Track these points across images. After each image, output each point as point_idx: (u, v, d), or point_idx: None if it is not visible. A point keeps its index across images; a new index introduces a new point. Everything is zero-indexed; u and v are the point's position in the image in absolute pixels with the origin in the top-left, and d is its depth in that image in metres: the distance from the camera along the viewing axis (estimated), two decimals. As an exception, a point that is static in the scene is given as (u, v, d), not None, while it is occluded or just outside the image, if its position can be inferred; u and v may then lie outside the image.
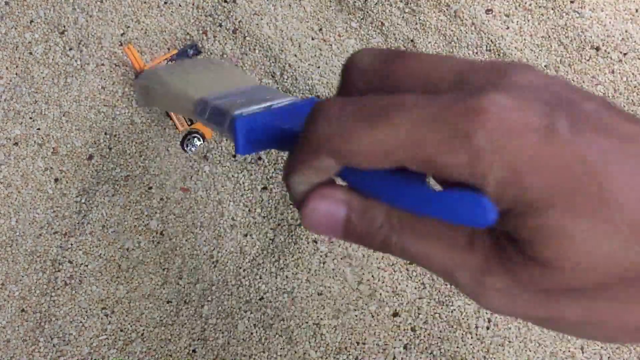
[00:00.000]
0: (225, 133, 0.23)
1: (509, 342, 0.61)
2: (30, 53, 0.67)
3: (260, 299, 0.63)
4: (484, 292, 0.18)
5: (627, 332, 0.17)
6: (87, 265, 0.64)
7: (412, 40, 0.66)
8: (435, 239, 0.18)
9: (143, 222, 0.64)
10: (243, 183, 0.65)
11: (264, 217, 0.64)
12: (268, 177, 0.65)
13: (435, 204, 0.17)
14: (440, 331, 0.62)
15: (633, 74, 0.68)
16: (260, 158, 0.65)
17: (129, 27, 0.66)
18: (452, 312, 0.62)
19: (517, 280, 0.17)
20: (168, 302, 0.63)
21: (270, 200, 0.64)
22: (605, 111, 0.16)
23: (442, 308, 0.62)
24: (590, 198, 0.15)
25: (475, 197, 0.16)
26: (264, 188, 0.65)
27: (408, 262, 0.19)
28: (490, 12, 0.67)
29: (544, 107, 0.15)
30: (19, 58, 0.67)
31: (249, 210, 0.65)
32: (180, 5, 0.67)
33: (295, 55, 0.67)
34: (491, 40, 0.67)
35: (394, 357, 0.61)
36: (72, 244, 0.64)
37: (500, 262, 0.17)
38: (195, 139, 0.64)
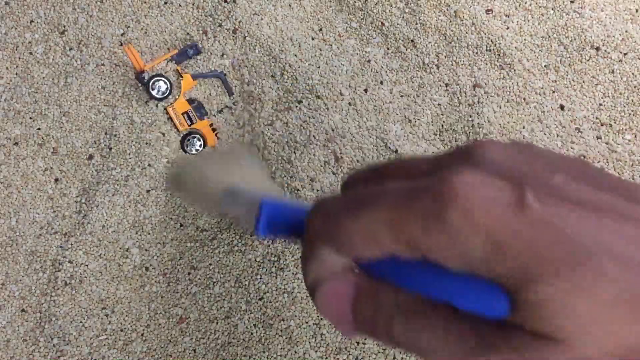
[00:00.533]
0: (246, 216, 0.24)
1: (509, 342, 0.61)
2: (31, 53, 0.67)
3: (260, 299, 0.63)
4: None
5: None
6: (87, 265, 0.64)
7: (412, 40, 0.66)
8: (439, 320, 0.17)
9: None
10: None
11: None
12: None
13: (451, 292, 0.16)
14: (440, 331, 0.62)
15: (633, 74, 0.68)
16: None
17: (129, 27, 0.66)
18: (452, 312, 0.62)
19: (524, 358, 0.16)
20: (168, 301, 0.63)
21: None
22: (573, 183, 0.16)
23: (442, 308, 0.62)
24: (575, 269, 0.14)
25: (490, 287, 0.15)
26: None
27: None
28: (490, 12, 0.67)
29: (511, 181, 0.15)
30: (19, 58, 0.67)
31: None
32: (180, 5, 0.67)
33: (295, 55, 0.67)
34: (491, 40, 0.67)
35: (394, 357, 0.61)
36: (72, 244, 0.64)
37: (505, 342, 0.16)
38: (195, 139, 0.64)
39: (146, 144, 0.65)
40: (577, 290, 0.14)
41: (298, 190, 0.63)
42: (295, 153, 0.65)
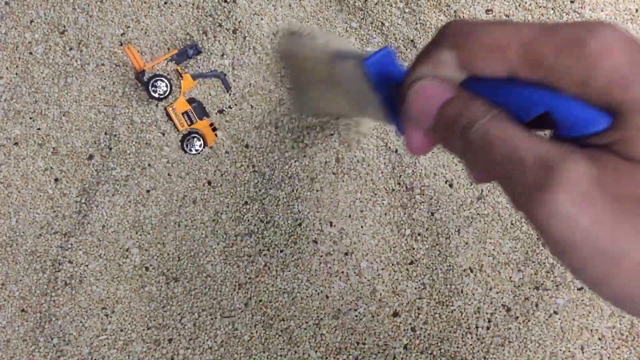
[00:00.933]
0: (356, 65, 0.25)
1: (509, 342, 0.61)
2: (30, 53, 0.67)
3: (260, 300, 0.63)
4: (553, 186, 0.16)
5: None
6: (87, 265, 0.64)
7: (412, 40, 0.66)
8: (524, 130, 0.18)
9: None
10: (245, 191, 0.65)
11: (261, 219, 0.64)
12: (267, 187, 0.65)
13: (549, 104, 0.18)
14: (440, 331, 0.62)
15: (633, 74, 0.68)
16: (255, 170, 0.65)
17: (129, 27, 0.66)
18: (452, 312, 0.62)
19: (603, 175, 0.16)
20: (169, 299, 0.63)
21: (271, 202, 0.64)
22: None
23: (442, 308, 0.62)
24: None
25: (588, 104, 0.17)
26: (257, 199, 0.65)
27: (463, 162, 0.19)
28: (490, 12, 0.67)
29: None
30: (19, 58, 0.67)
31: (247, 210, 0.65)
32: (180, 5, 0.67)
33: (295, 55, 0.67)
34: (491, 40, 0.67)
35: (394, 357, 0.61)
36: (72, 244, 0.64)
37: (587, 155, 0.16)
38: (195, 139, 0.64)
39: (146, 144, 0.65)
40: None
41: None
42: (297, 149, 0.65)
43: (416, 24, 0.66)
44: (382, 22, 0.67)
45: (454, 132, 0.19)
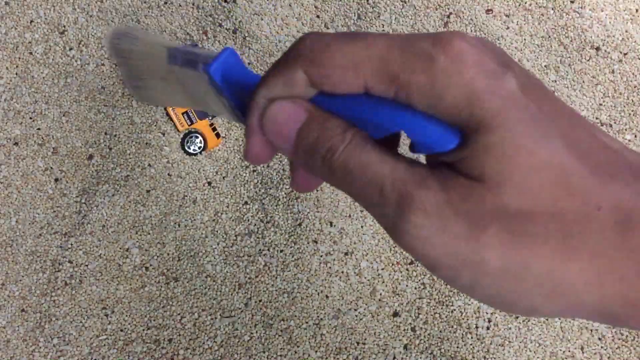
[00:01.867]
0: (198, 72, 0.24)
1: (509, 342, 0.61)
2: (30, 53, 0.67)
3: (260, 300, 0.63)
4: (410, 214, 0.17)
5: (549, 295, 0.17)
6: (87, 265, 0.64)
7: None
8: (381, 153, 0.18)
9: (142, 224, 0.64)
10: (242, 193, 0.65)
11: (261, 219, 0.64)
12: (266, 188, 0.65)
13: (401, 124, 0.18)
14: (440, 331, 0.62)
15: (633, 74, 0.68)
16: (255, 170, 0.65)
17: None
18: (452, 312, 0.62)
19: (451, 197, 0.17)
20: (169, 299, 0.63)
21: (271, 203, 0.64)
22: (541, 84, 0.19)
23: (442, 308, 0.62)
24: (536, 127, 0.16)
25: (440, 122, 0.17)
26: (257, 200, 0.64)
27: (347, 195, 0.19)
28: (490, 12, 0.67)
29: (498, 61, 0.17)
30: (19, 58, 0.67)
31: (246, 211, 0.65)
32: (180, 5, 0.67)
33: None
34: (491, 40, 0.67)
35: (394, 357, 0.61)
36: (72, 244, 0.64)
37: (436, 179, 0.17)
38: (194, 137, 0.64)
39: (146, 144, 0.65)
40: (519, 149, 0.16)
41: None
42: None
43: (415, 23, 0.66)
44: (382, 23, 0.67)
45: (316, 160, 0.19)
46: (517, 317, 0.62)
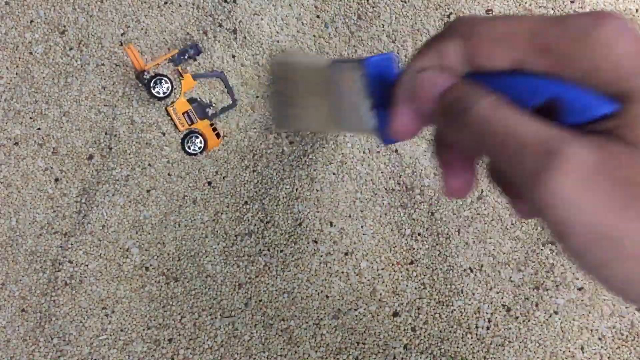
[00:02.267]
0: (354, 64, 0.25)
1: (509, 342, 0.61)
2: (31, 53, 0.67)
3: (260, 300, 0.63)
4: (556, 168, 0.15)
5: None
6: (87, 265, 0.64)
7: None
8: (526, 115, 0.18)
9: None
10: (243, 194, 0.65)
11: (261, 219, 0.64)
12: (266, 189, 0.65)
13: (556, 91, 0.18)
14: (440, 331, 0.62)
15: (633, 74, 0.68)
16: (255, 170, 0.65)
17: (129, 27, 0.66)
18: (452, 312, 0.62)
19: (606, 160, 0.16)
20: (169, 299, 0.63)
21: (271, 204, 0.64)
22: None
23: (442, 308, 0.62)
24: None
25: (593, 91, 0.17)
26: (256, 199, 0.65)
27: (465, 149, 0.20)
28: (490, 12, 0.67)
29: None
30: (19, 58, 0.67)
31: (247, 211, 0.65)
32: (180, 5, 0.67)
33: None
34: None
35: (394, 357, 0.61)
36: (72, 244, 0.64)
37: (591, 140, 0.16)
38: (194, 137, 0.64)
39: (146, 144, 0.65)
40: None
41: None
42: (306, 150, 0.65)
43: (415, 23, 0.67)
44: (382, 23, 0.67)
45: (454, 113, 0.19)
46: (517, 317, 0.62)
